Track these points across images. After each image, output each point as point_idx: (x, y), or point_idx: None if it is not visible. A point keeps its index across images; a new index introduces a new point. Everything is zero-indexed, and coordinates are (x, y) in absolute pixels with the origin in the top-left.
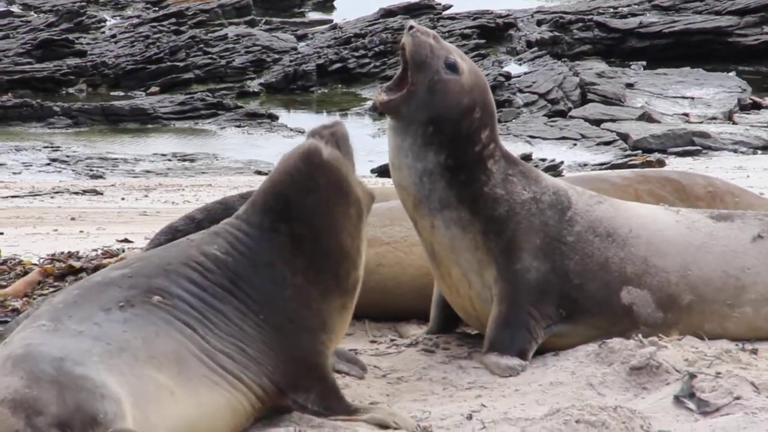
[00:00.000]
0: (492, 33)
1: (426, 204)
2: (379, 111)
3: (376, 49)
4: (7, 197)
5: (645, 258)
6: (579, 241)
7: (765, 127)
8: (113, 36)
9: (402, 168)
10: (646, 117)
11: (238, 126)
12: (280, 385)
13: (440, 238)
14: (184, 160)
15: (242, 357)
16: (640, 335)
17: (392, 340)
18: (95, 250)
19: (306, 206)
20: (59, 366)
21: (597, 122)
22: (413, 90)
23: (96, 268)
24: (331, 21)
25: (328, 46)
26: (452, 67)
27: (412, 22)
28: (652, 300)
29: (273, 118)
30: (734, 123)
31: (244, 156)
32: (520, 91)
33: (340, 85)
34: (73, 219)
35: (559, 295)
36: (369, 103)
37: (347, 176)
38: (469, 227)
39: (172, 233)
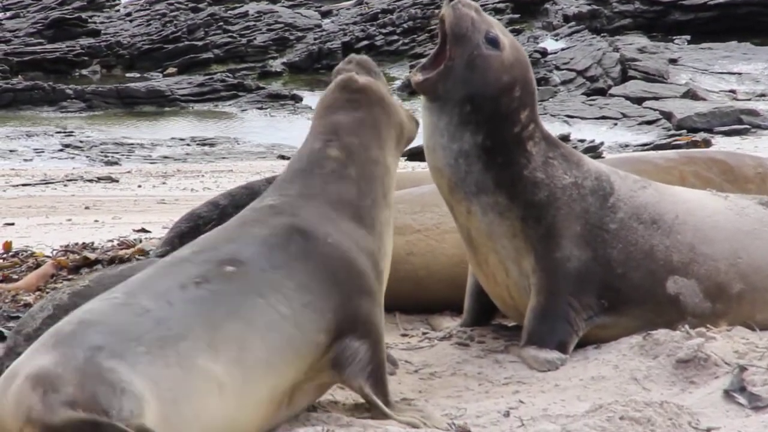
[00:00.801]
0: (527, 7)
1: (462, 187)
2: (409, 92)
3: (405, 25)
4: (18, 185)
5: (692, 245)
6: (622, 229)
7: None
8: (128, 14)
9: (436, 149)
10: (691, 94)
11: (260, 108)
12: (335, 337)
13: (477, 224)
14: (204, 145)
15: (309, 322)
16: (686, 326)
17: (424, 334)
18: (111, 240)
19: (353, 123)
20: (91, 356)
21: (639, 100)
22: (451, 65)
23: (112, 260)
24: None
25: (354, 23)
26: (493, 42)
27: None
28: (700, 289)
29: (296, 99)
30: None
31: (267, 140)
32: (557, 68)
33: None
34: (87, 208)
35: (601, 285)
36: (398, 83)
37: (387, 97)
38: (507, 213)
39: (194, 220)
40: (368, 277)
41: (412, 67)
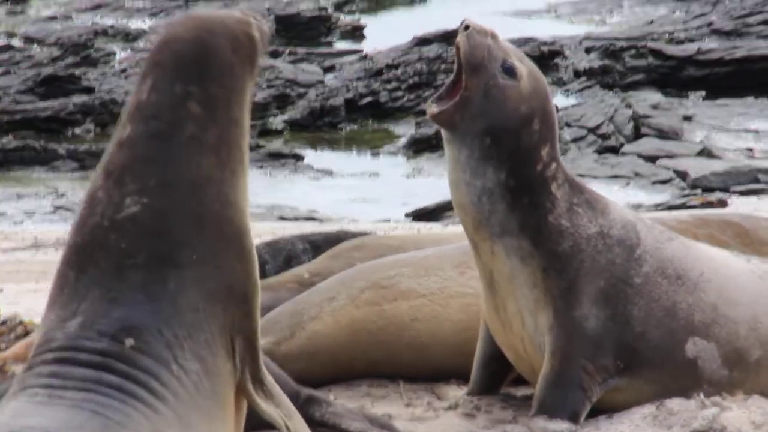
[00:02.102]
0: (536, 62)
1: (487, 227)
2: (415, 150)
3: (411, 81)
4: (7, 250)
5: (715, 306)
6: (646, 283)
7: None
8: (123, 70)
9: (459, 185)
10: (706, 152)
11: (260, 167)
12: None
13: (500, 266)
14: None
15: (218, 359)
16: (701, 395)
17: (429, 403)
18: None
19: (222, 67)
20: (20, 428)
21: (652, 159)
22: (467, 96)
23: None
24: (361, 51)
25: (358, 79)
26: (510, 71)
27: (468, 20)
28: (719, 354)
29: (298, 158)
30: None
31: (267, 200)
32: (568, 125)
33: (370, 121)
34: None
35: (618, 345)
36: (403, 141)
37: (260, 56)
38: (529, 260)
39: None
40: (241, 280)
41: (417, 124)
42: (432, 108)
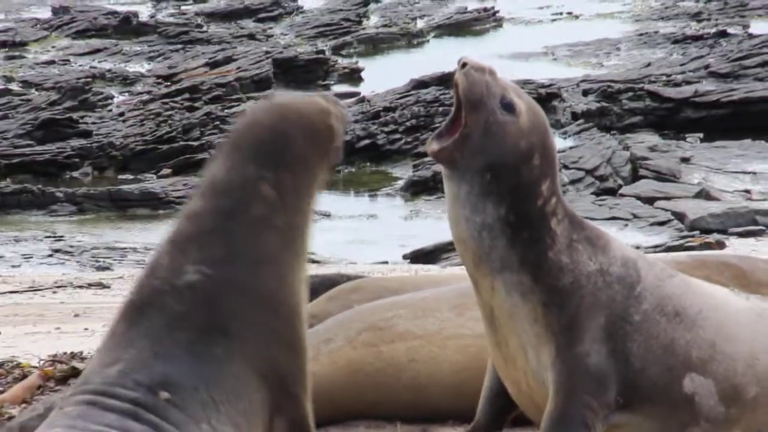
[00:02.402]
0: None
1: (487, 262)
2: (412, 192)
3: (408, 123)
4: (4, 293)
5: (713, 342)
6: (645, 321)
7: None
8: (121, 114)
9: (459, 221)
10: (704, 194)
11: None
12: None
13: (500, 303)
14: None
15: (251, 426)
16: None
17: None
18: None
19: (297, 156)
20: None
21: (650, 200)
22: (467, 133)
23: None
24: (359, 94)
25: (356, 121)
26: (509, 107)
27: (466, 57)
28: (716, 390)
29: None
30: None
31: None
32: (566, 167)
33: (368, 164)
34: (76, 315)
35: (619, 381)
36: (400, 183)
37: (337, 145)
38: (530, 295)
39: None
40: (287, 362)
41: (415, 167)
42: (432, 145)
